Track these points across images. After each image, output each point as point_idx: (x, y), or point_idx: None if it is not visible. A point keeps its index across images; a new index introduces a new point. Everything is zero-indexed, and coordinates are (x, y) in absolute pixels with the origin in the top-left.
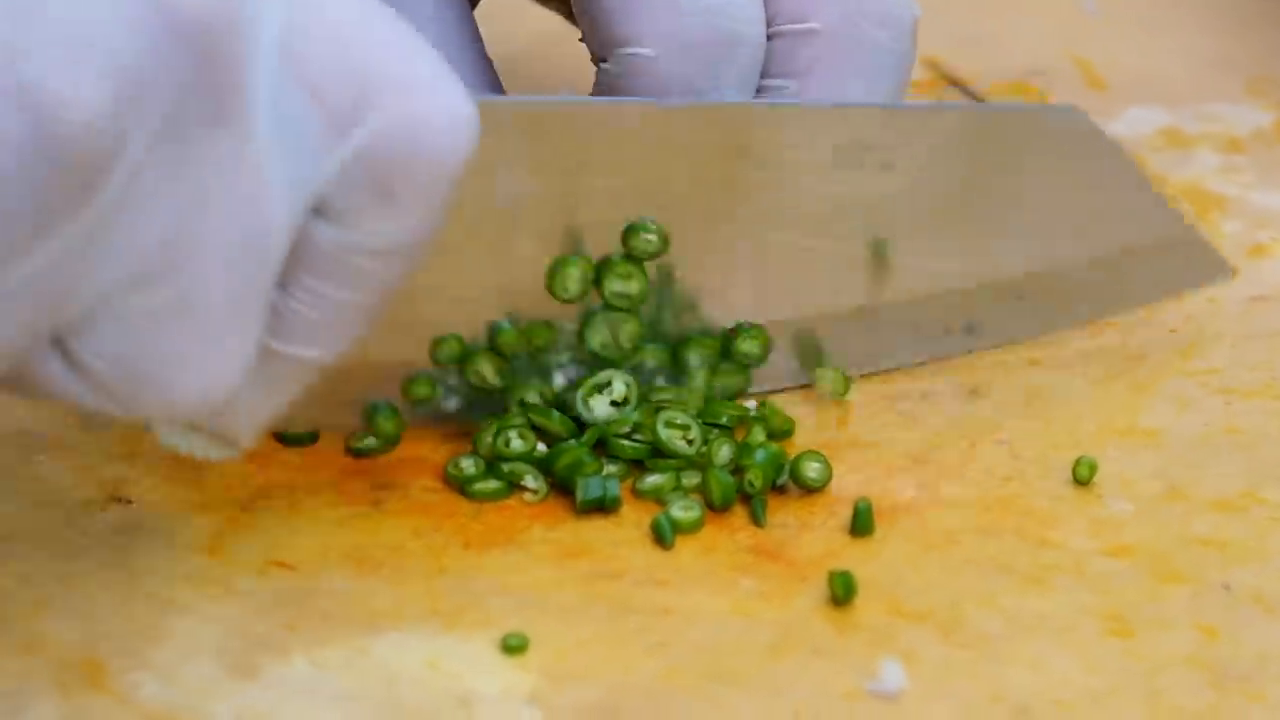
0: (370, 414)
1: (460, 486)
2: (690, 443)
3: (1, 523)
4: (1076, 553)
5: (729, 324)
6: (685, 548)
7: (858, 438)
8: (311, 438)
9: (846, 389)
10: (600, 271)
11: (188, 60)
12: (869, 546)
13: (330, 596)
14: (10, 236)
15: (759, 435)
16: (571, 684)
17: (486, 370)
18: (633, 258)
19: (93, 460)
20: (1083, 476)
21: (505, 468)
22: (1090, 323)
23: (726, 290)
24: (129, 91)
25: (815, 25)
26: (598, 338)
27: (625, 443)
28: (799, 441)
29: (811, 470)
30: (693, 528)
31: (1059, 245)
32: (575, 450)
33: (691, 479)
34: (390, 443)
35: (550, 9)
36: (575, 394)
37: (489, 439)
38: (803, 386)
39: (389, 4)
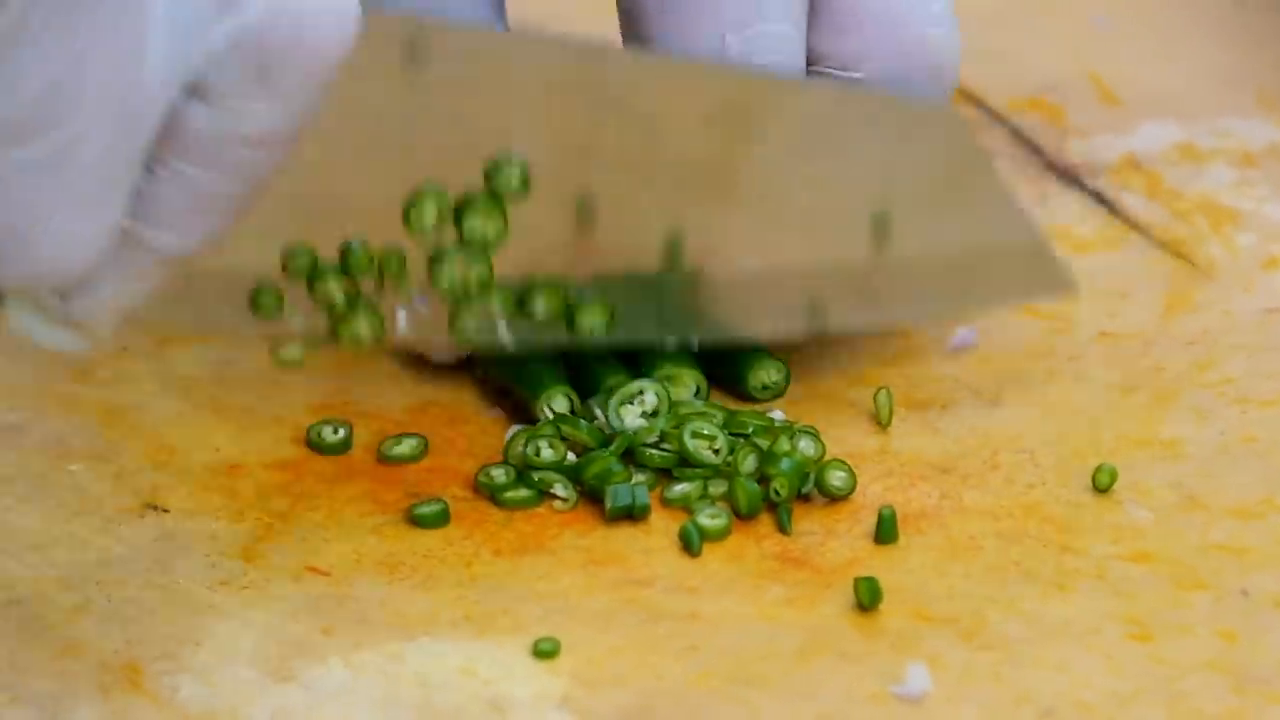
0: (254, 296)
1: (491, 495)
2: (717, 452)
3: (39, 530)
4: (1097, 559)
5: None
6: (713, 555)
7: (882, 447)
8: (345, 445)
9: (891, 415)
10: (461, 208)
11: None
12: (893, 553)
13: (364, 602)
14: None
15: (784, 444)
16: (603, 688)
17: (334, 290)
18: (495, 195)
19: (127, 468)
20: (1103, 484)
21: (535, 476)
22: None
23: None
24: None
25: (861, 75)
26: (447, 277)
27: (653, 452)
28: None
29: (836, 479)
30: (720, 535)
31: (908, 239)
32: (604, 459)
33: (718, 487)
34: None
35: None
36: (606, 404)
37: (519, 448)
38: (824, 396)
39: None
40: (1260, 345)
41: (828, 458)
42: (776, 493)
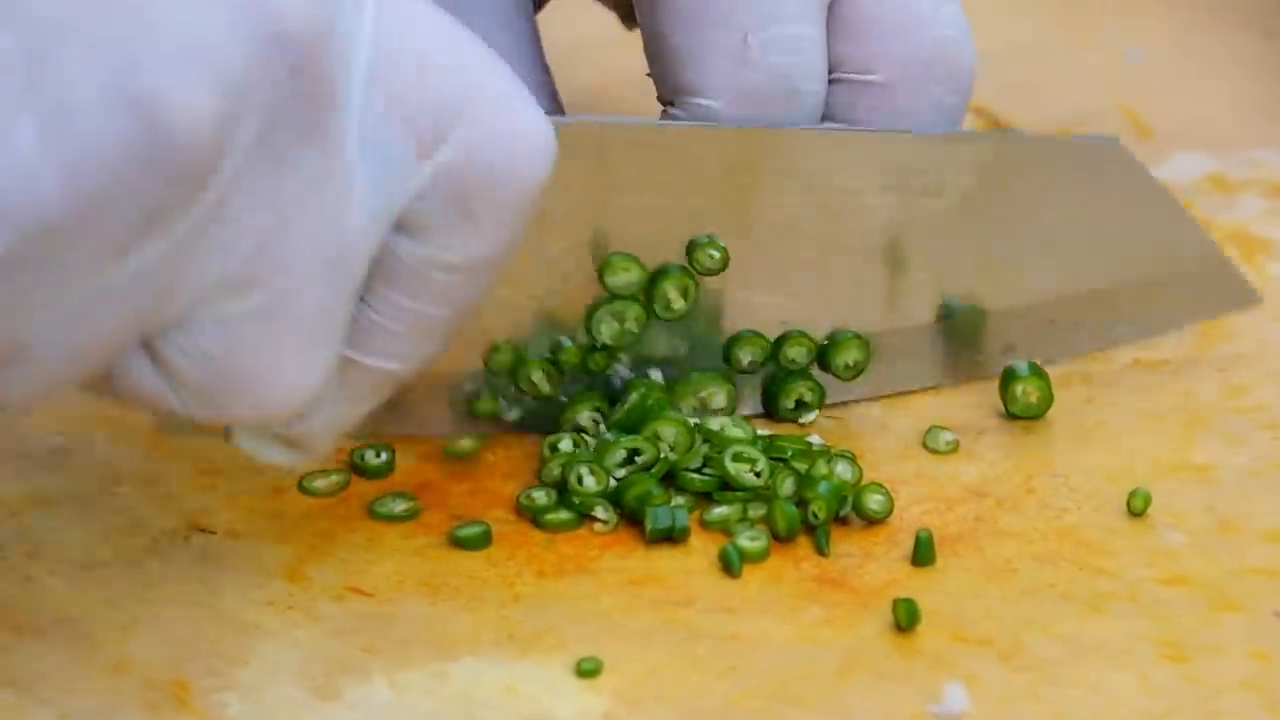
0: (473, 403)
1: (533, 517)
2: (758, 475)
3: (87, 551)
4: (1132, 582)
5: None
6: (752, 577)
7: (919, 470)
8: (388, 469)
9: (958, 449)
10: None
11: (286, 73)
12: (930, 575)
13: (408, 622)
14: (119, 236)
15: (822, 468)
16: (644, 707)
17: (539, 378)
18: (687, 270)
19: (173, 491)
20: (1137, 508)
21: (576, 499)
22: (1131, 344)
23: (768, 306)
24: (235, 100)
25: (878, 78)
26: (605, 329)
27: (694, 475)
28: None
29: (874, 502)
30: (759, 557)
31: (1093, 271)
32: (645, 482)
33: (757, 510)
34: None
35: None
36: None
37: (555, 471)
38: (860, 421)
39: (454, 10)
40: None
41: (865, 481)
42: (815, 515)
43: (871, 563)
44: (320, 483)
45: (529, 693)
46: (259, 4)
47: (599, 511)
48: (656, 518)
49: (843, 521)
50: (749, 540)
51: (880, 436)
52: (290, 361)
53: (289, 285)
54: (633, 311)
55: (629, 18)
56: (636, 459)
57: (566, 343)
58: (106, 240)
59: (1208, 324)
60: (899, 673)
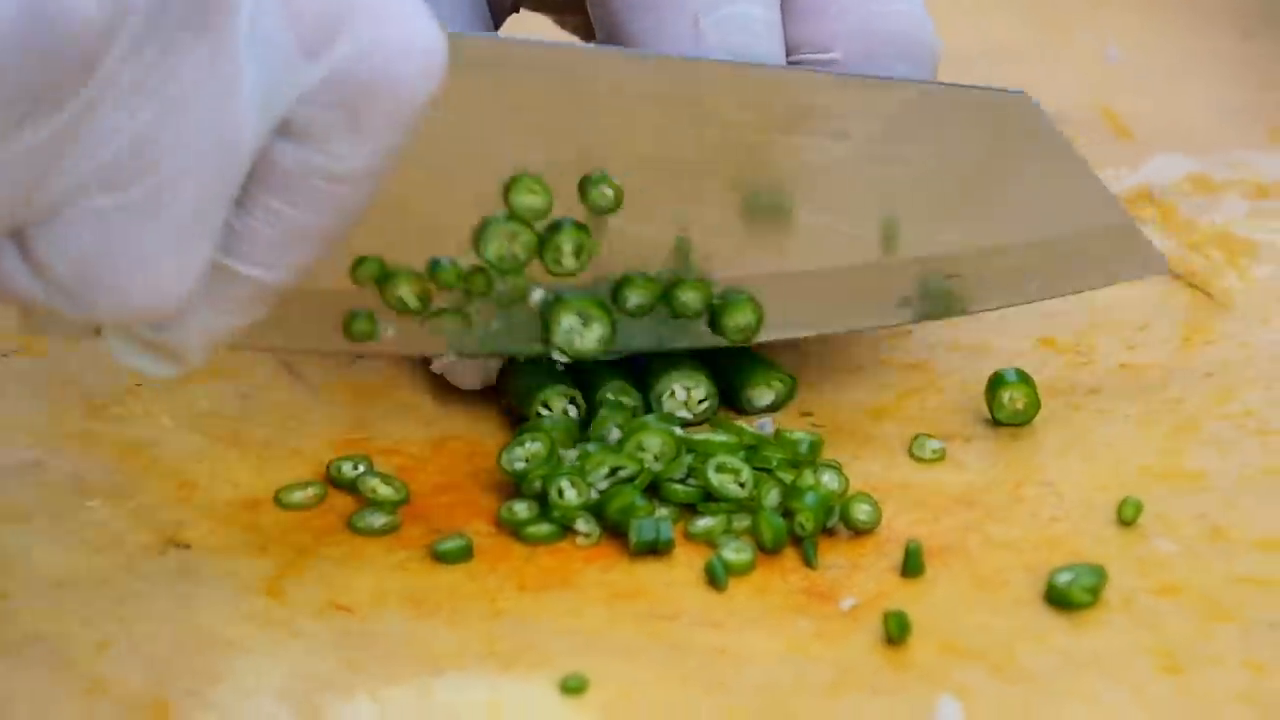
0: (349, 321)
1: (514, 530)
2: (742, 485)
3: (61, 567)
4: (1125, 592)
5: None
6: (739, 589)
7: (905, 480)
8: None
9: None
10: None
11: None
12: (920, 587)
13: (390, 638)
14: (1, 118)
15: (808, 478)
16: None
17: (405, 293)
18: (583, 227)
19: (147, 504)
20: (1128, 517)
21: (557, 512)
22: (1039, 301)
23: (661, 243)
24: None
25: (836, 55)
26: (493, 248)
27: (677, 487)
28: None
29: (861, 512)
30: (745, 569)
31: (996, 226)
32: (627, 494)
33: (742, 522)
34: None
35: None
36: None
37: (536, 484)
38: (846, 430)
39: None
40: (1279, 376)
41: (852, 491)
42: (802, 526)
43: (860, 574)
44: (298, 495)
45: (514, 710)
46: None
47: (581, 524)
48: (640, 530)
49: (830, 532)
50: (734, 552)
51: (866, 445)
52: (160, 260)
53: (165, 181)
54: (524, 236)
55: (589, 39)
56: (619, 472)
57: (445, 262)
58: None
59: (1191, 328)
60: (891, 687)
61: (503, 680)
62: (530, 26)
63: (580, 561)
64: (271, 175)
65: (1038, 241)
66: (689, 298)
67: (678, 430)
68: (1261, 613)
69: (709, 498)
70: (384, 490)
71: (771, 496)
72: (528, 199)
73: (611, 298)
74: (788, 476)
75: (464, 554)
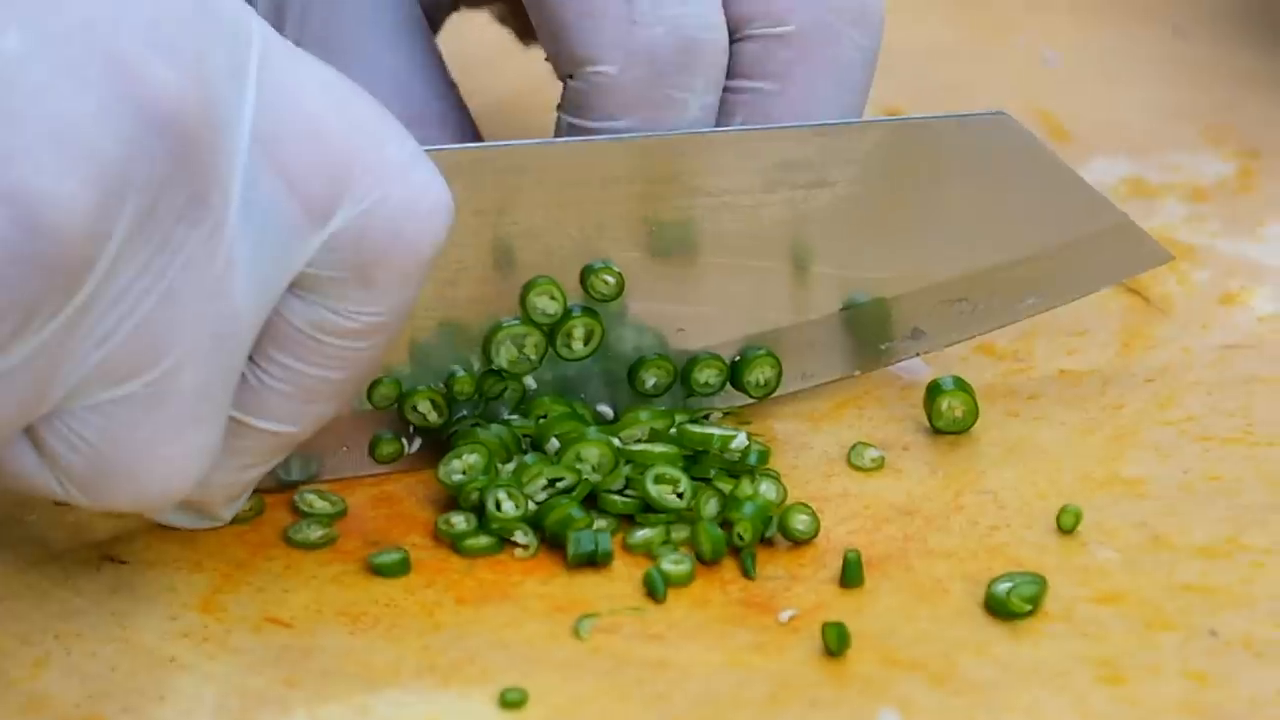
0: (374, 445)
1: (451, 543)
2: (680, 495)
3: None
4: (1065, 601)
5: (680, 348)
6: (677, 601)
7: (844, 489)
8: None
9: (884, 465)
10: (526, 289)
11: (165, 155)
12: (859, 597)
13: (327, 653)
14: None
15: (746, 488)
16: None
17: (425, 408)
18: (592, 311)
19: (84, 519)
20: (1068, 525)
21: (495, 524)
22: (1039, 313)
23: (672, 314)
24: (112, 191)
25: (791, 27)
26: (504, 353)
27: (615, 498)
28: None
29: (800, 522)
30: (684, 581)
31: (996, 245)
32: (565, 505)
33: (681, 533)
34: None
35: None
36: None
37: (474, 497)
38: (784, 440)
39: (350, 37)
40: (1219, 382)
41: (790, 501)
42: (740, 537)
43: (799, 585)
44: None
45: None
46: (131, 88)
47: (519, 536)
48: (578, 542)
49: (768, 543)
50: (673, 564)
51: (804, 454)
52: (169, 449)
53: (165, 372)
54: (533, 338)
55: (526, 34)
56: (557, 483)
57: (459, 372)
58: None
59: (1130, 334)
60: (831, 699)
61: (441, 695)
62: (471, 24)
63: (519, 574)
64: (283, 333)
65: (1039, 254)
66: (707, 375)
67: (616, 441)
68: (1203, 620)
69: (647, 509)
70: (320, 504)
71: (710, 507)
72: (544, 302)
73: (628, 379)
74: (726, 487)
75: (401, 567)
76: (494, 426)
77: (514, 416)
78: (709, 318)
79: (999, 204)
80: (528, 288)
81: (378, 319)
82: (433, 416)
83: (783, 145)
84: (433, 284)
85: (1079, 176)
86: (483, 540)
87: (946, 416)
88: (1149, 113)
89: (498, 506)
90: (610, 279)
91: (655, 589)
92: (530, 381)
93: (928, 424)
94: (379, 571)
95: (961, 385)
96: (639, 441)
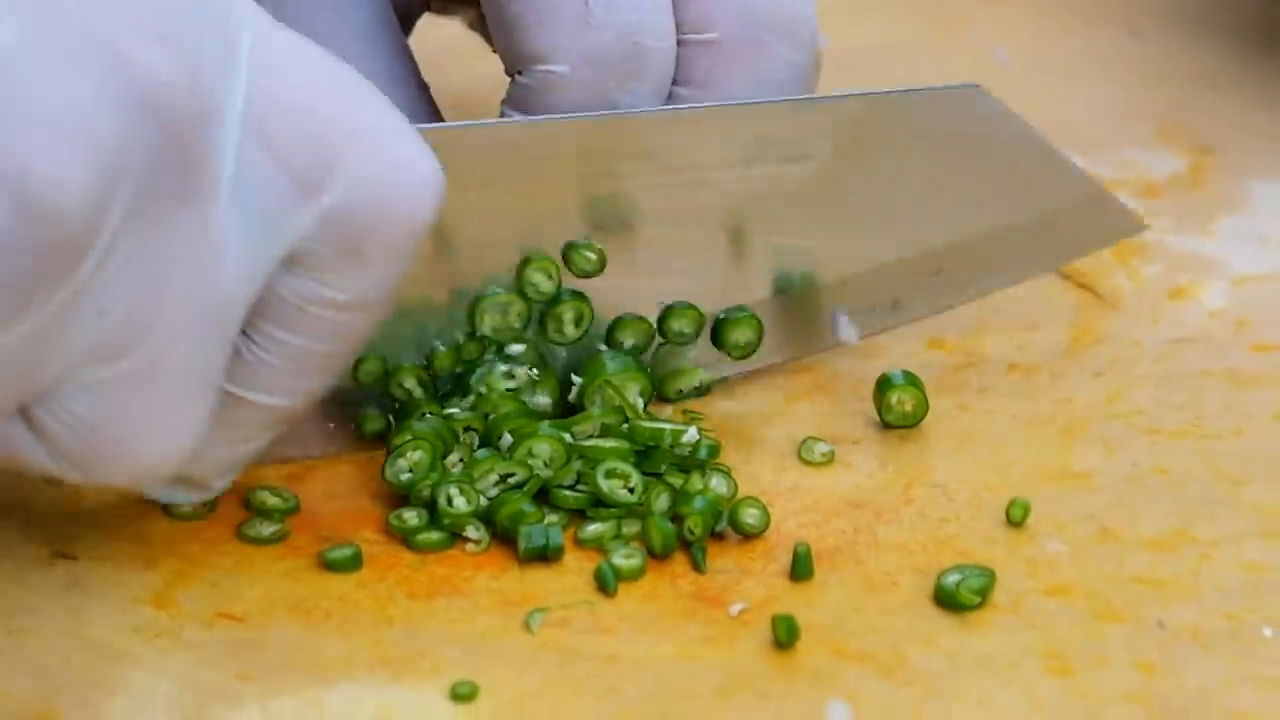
0: (362, 423)
1: (403, 538)
2: (631, 490)
3: None
4: (1014, 593)
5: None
6: (629, 595)
7: (794, 483)
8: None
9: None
10: (522, 265)
11: (158, 138)
12: (809, 590)
13: (280, 647)
14: None
15: (697, 483)
16: None
17: (410, 383)
18: (581, 296)
19: (35, 517)
20: (1016, 518)
21: (447, 520)
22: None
23: (648, 290)
24: (108, 174)
25: (715, 35)
26: (489, 320)
27: (567, 493)
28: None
29: (750, 516)
30: (635, 575)
31: (972, 217)
32: (517, 500)
33: (632, 527)
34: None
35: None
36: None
37: (425, 493)
38: (734, 434)
39: (321, 39)
40: (1168, 375)
41: (740, 495)
42: (690, 531)
43: (749, 578)
44: (186, 506)
45: (404, 719)
46: (125, 73)
47: (470, 531)
48: (530, 537)
49: (719, 537)
50: (624, 558)
51: (755, 449)
52: (161, 424)
53: (156, 350)
54: (516, 306)
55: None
56: (508, 478)
57: (440, 347)
58: None
59: (1080, 328)
60: (780, 691)
61: (393, 689)
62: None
63: (470, 569)
64: (275, 307)
65: (1015, 224)
66: (681, 324)
67: (567, 436)
68: (1150, 612)
69: (599, 503)
70: (273, 500)
71: (661, 501)
72: (540, 279)
73: (605, 341)
74: (677, 481)
75: (353, 562)
76: (430, 418)
77: (454, 410)
78: (685, 292)
79: (974, 176)
80: (525, 262)
81: (368, 292)
82: (418, 392)
83: (758, 120)
84: (417, 259)
85: (1053, 148)
86: (434, 535)
87: (896, 410)
88: (1103, 111)
89: (449, 502)
90: (592, 255)
91: (606, 583)
92: (516, 348)
93: (878, 418)
94: (331, 566)
95: (911, 380)
96: (590, 437)
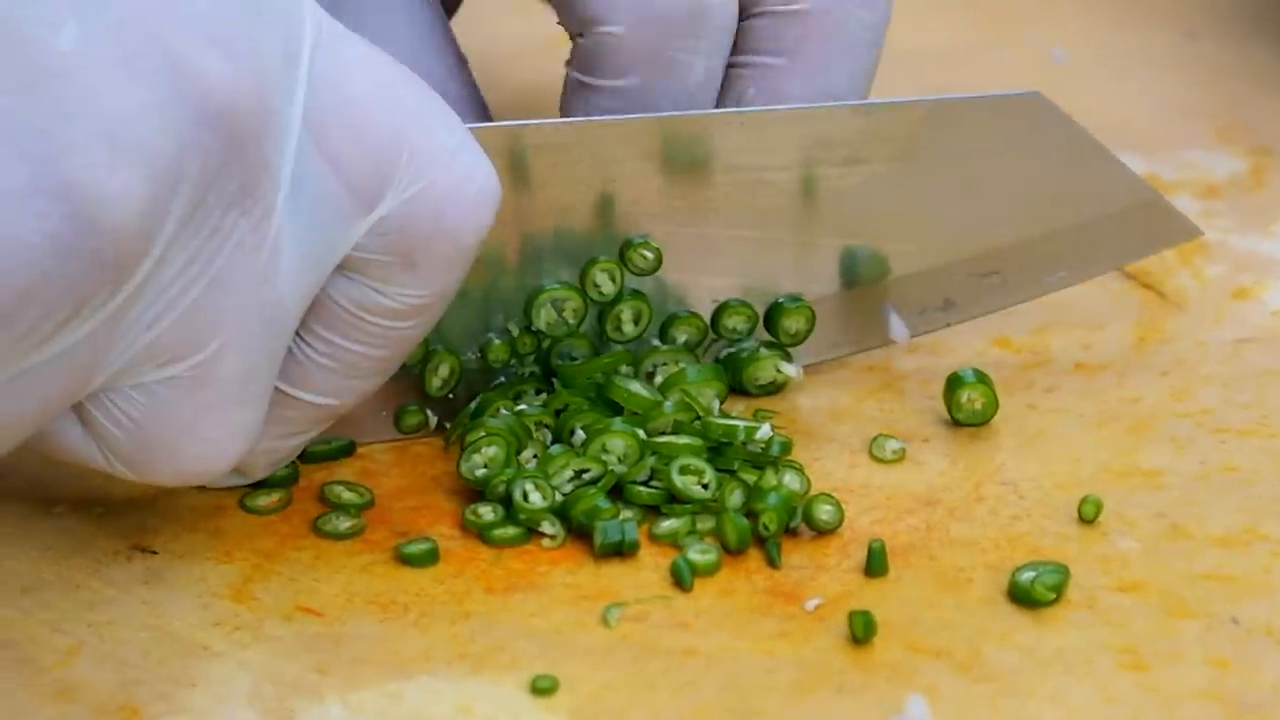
0: (400, 415)
1: (479, 533)
2: (705, 487)
3: (28, 573)
4: (1087, 589)
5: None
6: (704, 590)
7: (866, 480)
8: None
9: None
10: (586, 268)
11: (217, 147)
12: (884, 586)
13: (359, 641)
14: (45, 325)
15: (771, 479)
16: None
17: (444, 372)
18: (641, 295)
19: (112, 510)
20: (1088, 515)
21: (522, 515)
22: (1069, 287)
23: (707, 287)
24: (164, 185)
25: (804, 6)
26: (544, 315)
27: (641, 489)
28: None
29: (824, 512)
30: (710, 570)
31: (1028, 220)
32: (592, 496)
33: (706, 523)
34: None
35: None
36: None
37: (500, 489)
38: (806, 432)
39: (362, 14)
40: (1234, 375)
41: (814, 492)
42: (765, 527)
43: (824, 574)
44: (262, 500)
45: (484, 712)
46: (185, 82)
47: (546, 527)
48: (605, 532)
49: (793, 533)
50: (699, 554)
51: (826, 446)
52: (212, 427)
53: (211, 356)
54: (573, 302)
55: None
56: (583, 474)
57: (495, 340)
58: (31, 329)
59: (1145, 328)
60: (858, 685)
61: (472, 682)
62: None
63: (546, 564)
64: (329, 311)
65: (1071, 228)
66: (735, 321)
67: (641, 433)
68: (1223, 608)
69: (673, 499)
70: (348, 495)
71: (735, 498)
72: (603, 280)
73: (660, 337)
74: (751, 478)
75: (430, 557)
76: (503, 414)
77: (523, 405)
78: (742, 289)
79: (1032, 180)
80: (590, 263)
81: (422, 301)
82: (450, 382)
83: (823, 124)
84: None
85: (1111, 154)
86: (510, 531)
87: (966, 409)
88: (1161, 112)
89: (525, 497)
90: (649, 254)
91: (682, 578)
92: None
93: (947, 416)
94: (408, 561)
95: (981, 378)
96: (664, 433)
